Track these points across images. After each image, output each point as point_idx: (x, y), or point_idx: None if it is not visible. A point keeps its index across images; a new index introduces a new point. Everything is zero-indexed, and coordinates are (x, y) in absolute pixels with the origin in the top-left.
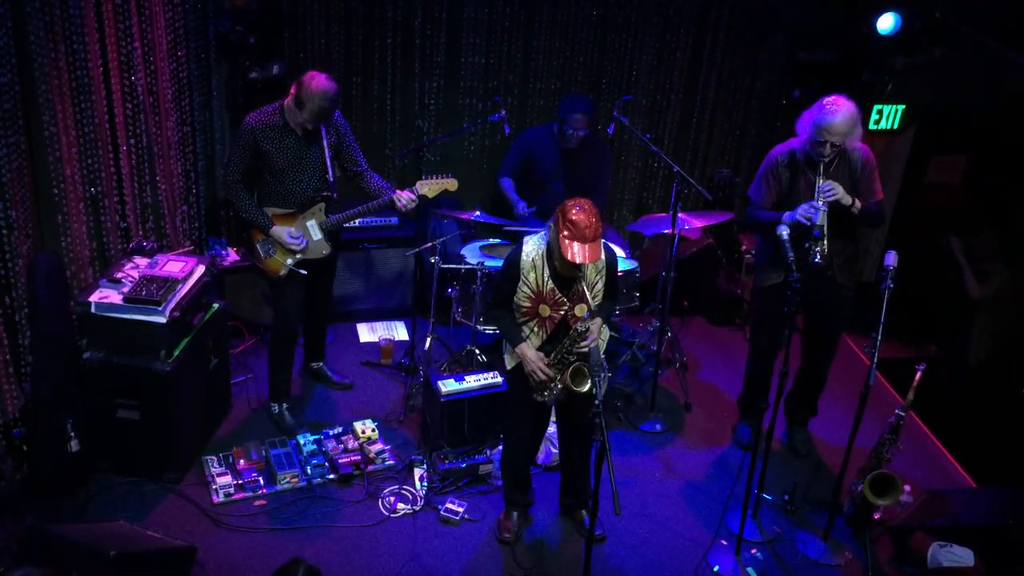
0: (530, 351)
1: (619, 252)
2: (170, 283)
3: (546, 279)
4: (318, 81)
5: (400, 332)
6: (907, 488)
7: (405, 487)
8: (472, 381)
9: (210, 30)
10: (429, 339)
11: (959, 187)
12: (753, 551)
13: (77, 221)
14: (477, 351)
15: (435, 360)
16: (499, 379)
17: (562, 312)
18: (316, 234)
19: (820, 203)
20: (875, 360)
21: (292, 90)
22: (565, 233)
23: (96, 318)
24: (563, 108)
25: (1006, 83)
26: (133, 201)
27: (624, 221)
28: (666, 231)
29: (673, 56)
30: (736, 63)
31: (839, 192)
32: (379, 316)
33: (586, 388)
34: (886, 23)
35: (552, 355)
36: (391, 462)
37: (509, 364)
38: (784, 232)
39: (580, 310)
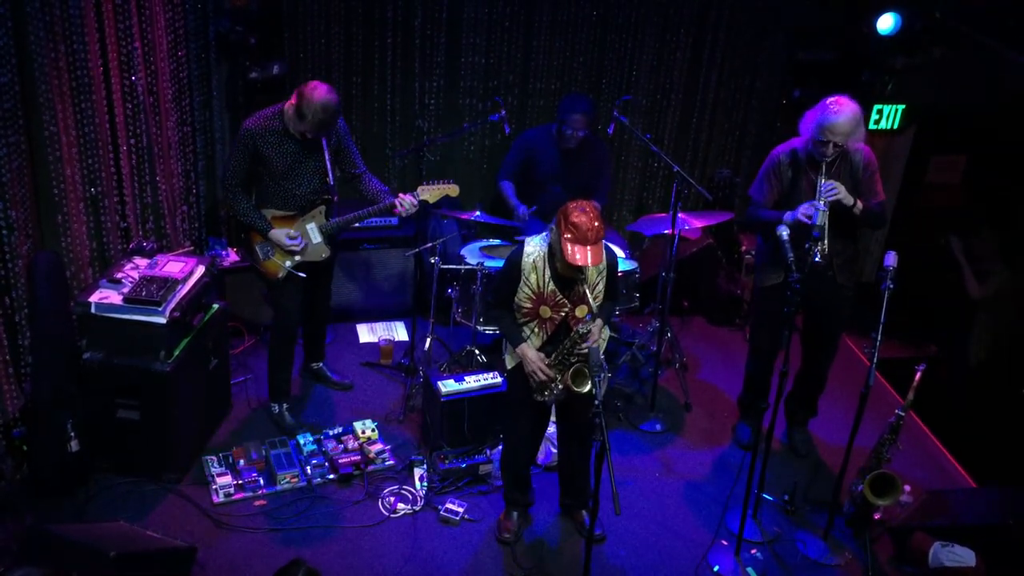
0: (531, 351)
1: (619, 252)
2: (170, 283)
3: (547, 280)
4: (320, 92)
5: (400, 332)
6: (907, 488)
7: (405, 487)
8: (472, 381)
9: (210, 30)
10: (429, 339)
11: (959, 187)
12: (753, 551)
13: (77, 221)
14: (477, 351)
15: (435, 360)
16: (499, 379)
17: (563, 313)
18: (316, 237)
19: (821, 203)
20: (875, 360)
21: (293, 99)
22: (567, 235)
23: (96, 318)
24: (563, 108)
25: (1006, 83)
26: (133, 201)
27: (624, 221)
28: (666, 231)
29: (673, 56)
30: (736, 63)
31: (841, 192)
32: (379, 316)
33: (587, 389)
34: (886, 23)
35: (553, 356)
36: (391, 462)
37: (509, 364)
38: (784, 232)
39: (581, 311)
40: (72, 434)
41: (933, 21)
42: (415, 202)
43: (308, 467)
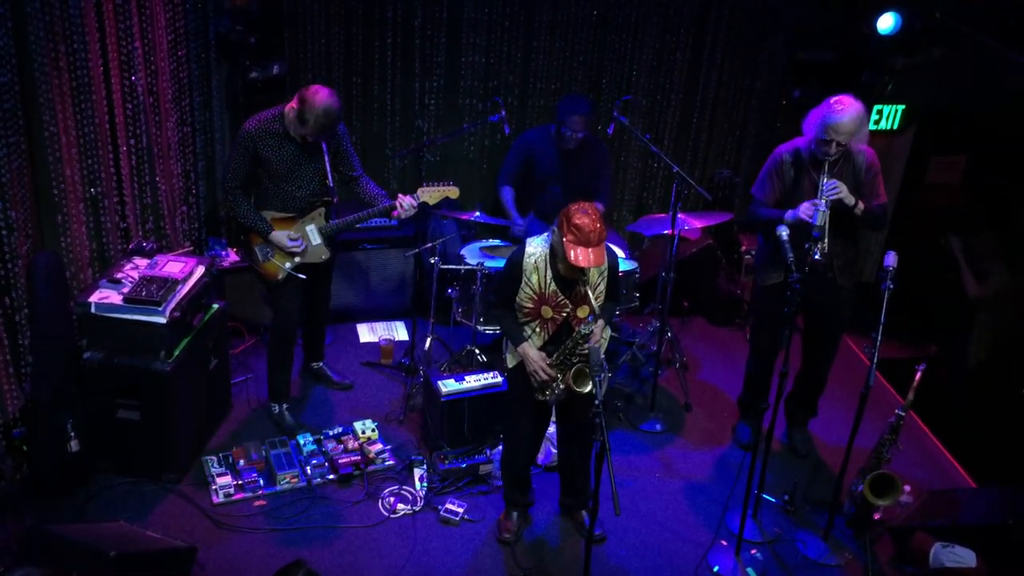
0: (532, 351)
1: (619, 253)
2: (170, 283)
3: (549, 281)
4: (321, 97)
5: (400, 332)
6: (907, 488)
7: (405, 487)
8: (472, 381)
9: (210, 30)
10: (429, 339)
11: (959, 187)
12: (753, 551)
13: (77, 221)
14: (477, 351)
15: (435, 360)
16: (499, 379)
17: (564, 314)
18: (316, 239)
19: (823, 202)
20: (875, 360)
21: (294, 102)
22: (569, 237)
23: (96, 318)
24: (562, 110)
25: (1006, 83)
26: (133, 202)
27: (624, 221)
28: (666, 231)
29: (673, 56)
30: (736, 63)
31: (843, 191)
32: (379, 316)
33: (588, 389)
34: (886, 23)
35: (555, 356)
36: (391, 462)
37: (511, 363)
38: (784, 232)
39: (583, 311)
40: (72, 434)
41: (933, 21)
42: (415, 204)
43: (308, 467)
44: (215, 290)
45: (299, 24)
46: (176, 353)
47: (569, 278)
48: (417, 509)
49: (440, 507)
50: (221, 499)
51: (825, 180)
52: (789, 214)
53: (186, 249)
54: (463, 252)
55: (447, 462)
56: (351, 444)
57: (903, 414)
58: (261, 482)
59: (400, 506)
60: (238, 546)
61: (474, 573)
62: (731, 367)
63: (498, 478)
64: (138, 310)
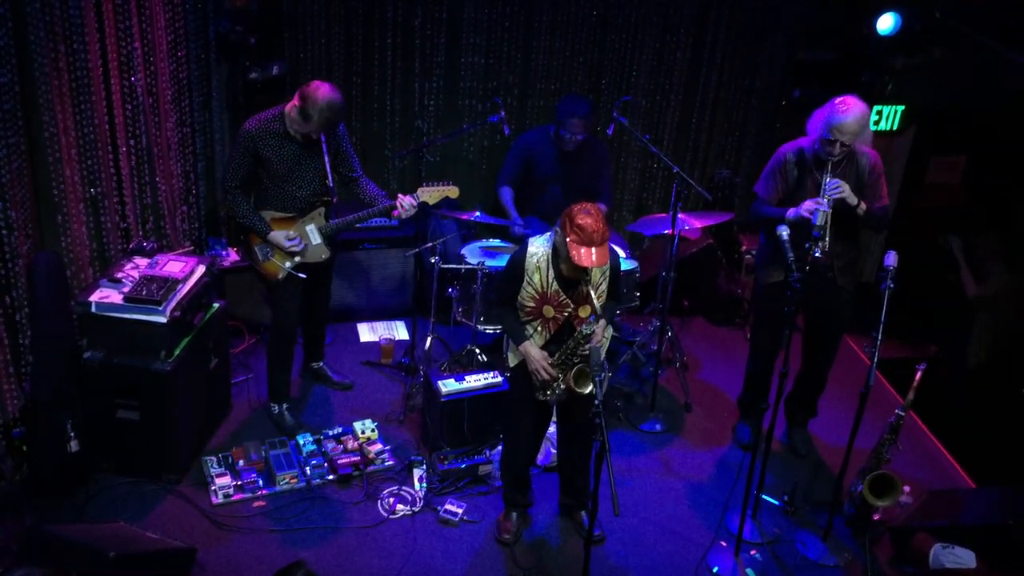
0: (534, 350)
1: (620, 252)
2: (170, 283)
3: (551, 281)
4: (323, 91)
5: (400, 332)
6: (907, 488)
7: (404, 488)
8: (472, 381)
9: (210, 30)
10: (429, 339)
11: (959, 187)
12: (752, 552)
13: (77, 221)
14: (477, 351)
15: (435, 360)
16: (499, 379)
17: (566, 313)
18: (315, 238)
19: (825, 200)
20: (875, 360)
21: (295, 100)
22: (572, 237)
23: (96, 318)
24: (561, 111)
25: (1006, 83)
26: (133, 202)
27: (624, 221)
28: (666, 231)
29: (673, 56)
30: (736, 63)
31: (846, 190)
32: (379, 316)
33: (588, 390)
34: (886, 23)
35: (556, 356)
36: (391, 463)
37: (512, 362)
38: (784, 232)
39: (584, 311)
40: (72, 434)
41: (933, 21)
42: (415, 204)
43: (308, 468)
44: (215, 290)
45: (299, 24)
46: (176, 353)
47: (571, 278)
48: (417, 510)
49: (440, 508)
50: (221, 500)
51: (828, 179)
52: (791, 212)
53: (186, 249)
54: (463, 252)
55: (447, 462)
56: (351, 444)
57: (903, 414)
58: (261, 482)
59: (400, 507)
60: (238, 546)
61: (474, 573)
62: (731, 367)
63: (498, 478)
64: (138, 309)
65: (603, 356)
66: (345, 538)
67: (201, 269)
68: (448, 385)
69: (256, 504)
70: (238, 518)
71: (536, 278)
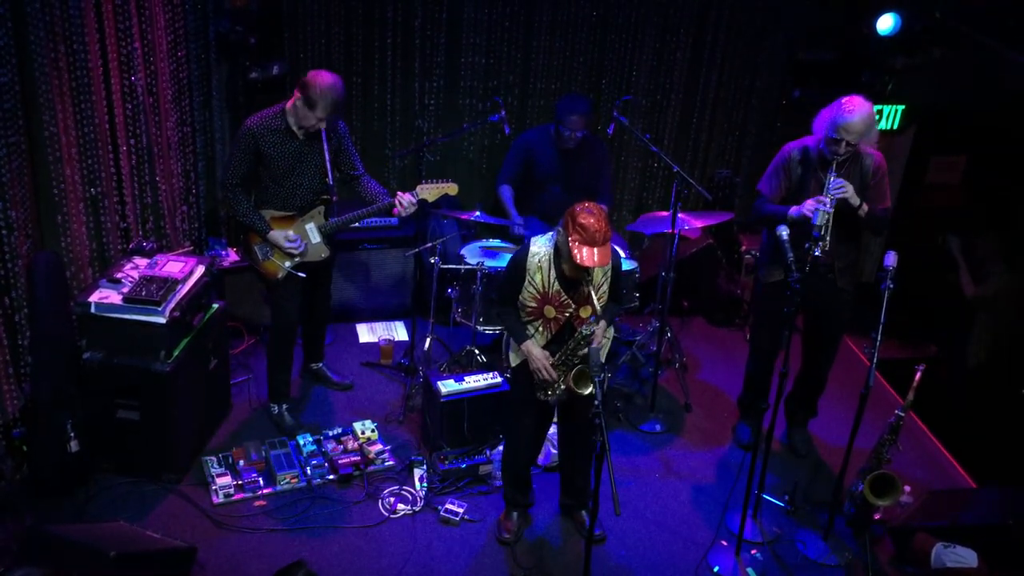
0: (536, 349)
1: (619, 252)
2: (170, 283)
3: (552, 281)
4: (324, 77)
5: (400, 332)
6: (907, 488)
7: (405, 488)
8: (472, 381)
9: (210, 30)
10: (429, 339)
11: (959, 187)
12: (753, 551)
13: (77, 221)
14: (477, 351)
15: (435, 360)
16: (499, 379)
17: (567, 314)
18: (315, 237)
19: (828, 199)
20: (875, 360)
21: (296, 93)
22: (575, 237)
23: (96, 318)
24: (560, 109)
25: (1006, 83)
26: (133, 201)
27: (624, 221)
28: (666, 231)
29: (673, 56)
30: (736, 63)
31: (849, 190)
32: (379, 316)
33: (589, 391)
34: (886, 23)
35: (557, 356)
36: (391, 463)
37: (514, 361)
38: (784, 232)
39: (586, 312)
40: (72, 434)
41: (933, 21)
42: (414, 201)
43: (308, 468)
44: (215, 290)
45: (299, 24)
46: (176, 353)
47: (573, 278)
48: (417, 509)
49: (440, 507)
50: (221, 499)
51: (832, 179)
52: (794, 210)
53: (186, 249)
54: (463, 252)
55: (447, 462)
56: (351, 444)
57: (903, 414)
58: (261, 482)
59: (400, 506)
60: (238, 546)
61: (474, 573)
62: (731, 367)
63: (498, 478)
64: (138, 310)
65: (603, 357)
66: (346, 538)
67: (201, 269)
68: (448, 386)
69: (257, 504)
70: (238, 518)
71: (538, 278)
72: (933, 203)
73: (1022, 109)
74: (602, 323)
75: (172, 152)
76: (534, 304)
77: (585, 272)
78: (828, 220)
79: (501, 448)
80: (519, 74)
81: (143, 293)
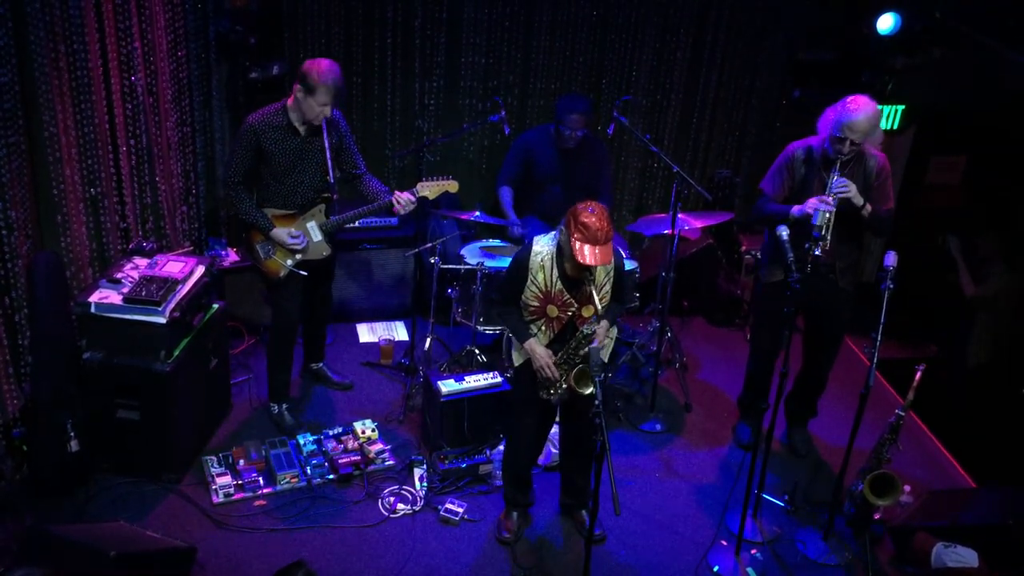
0: (539, 347)
1: (621, 253)
2: (170, 283)
3: (555, 280)
4: (320, 62)
5: (400, 332)
6: (907, 488)
7: (405, 487)
8: (472, 381)
9: (210, 30)
10: (429, 339)
11: (959, 187)
12: (753, 551)
13: (77, 221)
14: (477, 351)
15: (435, 360)
16: (499, 379)
17: (570, 313)
18: (316, 235)
19: (831, 199)
20: (875, 360)
21: (296, 87)
22: (576, 235)
23: (96, 318)
24: (560, 109)
25: (1006, 83)
26: (133, 201)
27: (624, 221)
28: (666, 231)
29: (673, 56)
30: (736, 63)
31: (852, 190)
32: (379, 316)
33: (590, 391)
34: (886, 23)
35: (559, 355)
36: (391, 462)
37: (517, 361)
38: (784, 232)
39: (588, 311)
40: (72, 434)
41: (933, 21)
42: (412, 199)
43: (308, 467)
44: (215, 290)
45: (299, 24)
46: (176, 353)
47: (575, 277)
48: (417, 509)
49: (440, 507)
50: (221, 499)
51: (835, 178)
52: (796, 209)
53: (186, 249)
54: (463, 252)
55: (447, 462)
56: (351, 444)
57: (903, 414)
58: (261, 482)
59: (400, 506)
60: (238, 546)
61: (474, 573)
62: (731, 367)
63: (498, 478)
64: (138, 310)
65: (606, 357)
66: (346, 537)
67: (201, 269)
68: (448, 385)
69: (257, 503)
70: (238, 517)
71: (540, 277)
72: (933, 203)
73: (1022, 109)
74: (604, 323)
75: (172, 152)
76: (536, 303)
77: (587, 271)
78: (829, 220)
79: (501, 448)
80: (519, 74)
81: (143, 293)
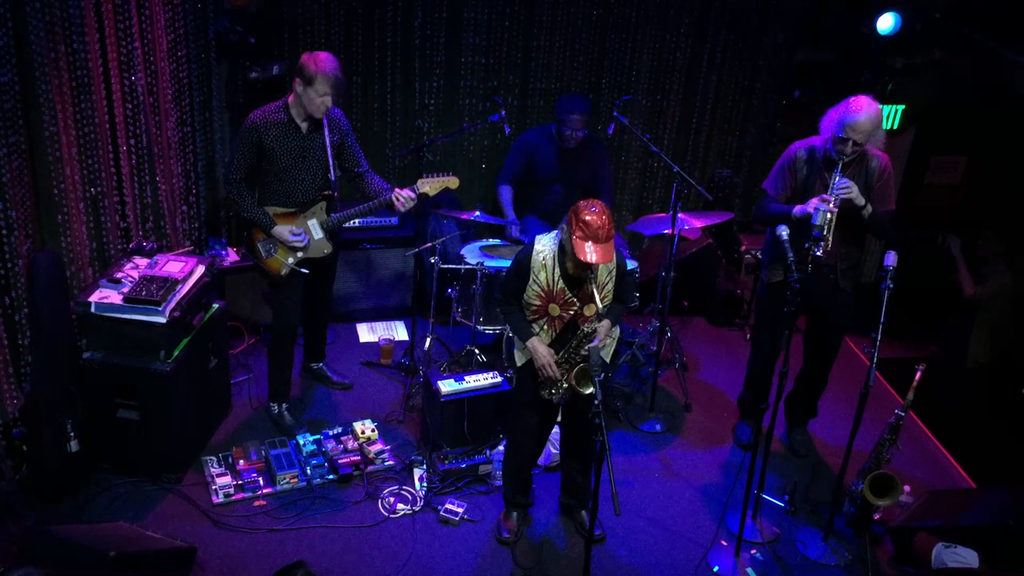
0: (541, 346)
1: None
2: (170, 283)
3: (557, 279)
4: (318, 55)
5: (400, 332)
6: (907, 488)
7: (405, 487)
8: (472, 381)
9: (210, 30)
10: (429, 339)
11: (959, 187)
12: (753, 551)
13: (77, 221)
14: (477, 351)
15: (435, 360)
16: (499, 379)
17: (572, 312)
18: (317, 233)
19: (833, 199)
20: (875, 360)
21: (295, 84)
22: (578, 233)
23: (96, 318)
24: (560, 109)
25: (1006, 83)
26: (133, 201)
27: (624, 221)
28: (666, 231)
29: (673, 56)
30: (736, 63)
31: (854, 191)
32: (379, 316)
33: (590, 391)
34: (886, 23)
35: (560, 354)
36: (391, 462)
37: (519, 360)
38: (784, 232)
39: (590, 310)
40: (72, 434)
41: (933, 21)
42: (412, 196)
43: (308, 467)
44: (215, 290)
45: (299, 24)
46: (176, 353)
47: (577, 276)
48: (417, 509)
49: (440, 507)
50: (221, 499)
51: (837, 179)
52: (798, 209)
53: (186, 249)
54: (463, 252)
55: (447, 462)
56: (351, 444)
57: (903, 414)
58: (261, 482)
59: (400, 506)
60: (238, 546)
61: (474, 573)
62: (731, 367)
63: (498, 478)
64: (138, 310)
65: (602, 357)
66: (345, 537)
67: (201, 269)
68: (448, 385)
69: (256, 504)
70: (238, 517)
71: (542, 276)
72: (933, 203)
73: (1022, 109)
74: (606, 322)
75: (172, 152)
76: (538, 302)
77: (588, 269)
78: (830, 220)
79: (501, 448)
80: (519, 74)
81: (143, 293)
